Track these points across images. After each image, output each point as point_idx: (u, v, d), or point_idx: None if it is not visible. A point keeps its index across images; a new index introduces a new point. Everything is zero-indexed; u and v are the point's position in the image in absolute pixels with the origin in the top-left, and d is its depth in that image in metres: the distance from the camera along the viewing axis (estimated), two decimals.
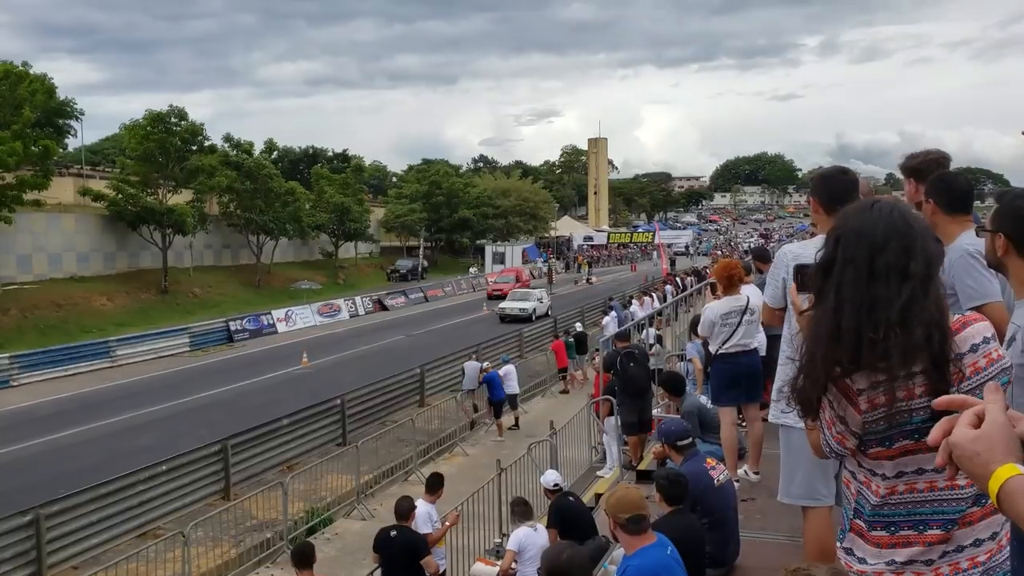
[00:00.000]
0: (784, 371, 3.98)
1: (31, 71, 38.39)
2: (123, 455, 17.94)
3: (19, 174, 35.71)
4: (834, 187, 3.96)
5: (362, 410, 20.57)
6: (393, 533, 8.15)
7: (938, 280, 2.05)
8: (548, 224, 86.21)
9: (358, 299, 47.78)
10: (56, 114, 46.75)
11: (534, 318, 39.14)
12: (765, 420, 7.45)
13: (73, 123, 51.45)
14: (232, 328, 37.54)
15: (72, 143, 56.88)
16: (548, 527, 8.23)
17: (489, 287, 53.77)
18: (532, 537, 8.07)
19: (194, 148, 46.63)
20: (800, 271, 2.67)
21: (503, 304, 41.63)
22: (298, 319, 41.79)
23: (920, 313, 1.96)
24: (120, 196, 42.93)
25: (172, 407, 23.83)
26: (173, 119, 44.77)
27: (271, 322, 40.12)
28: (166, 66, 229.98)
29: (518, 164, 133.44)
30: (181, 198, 46.11)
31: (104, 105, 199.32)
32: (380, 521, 13.85)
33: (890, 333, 1.93)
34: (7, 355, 28.69)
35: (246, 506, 13.88)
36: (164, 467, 14.79)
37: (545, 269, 66.25)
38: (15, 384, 27.51)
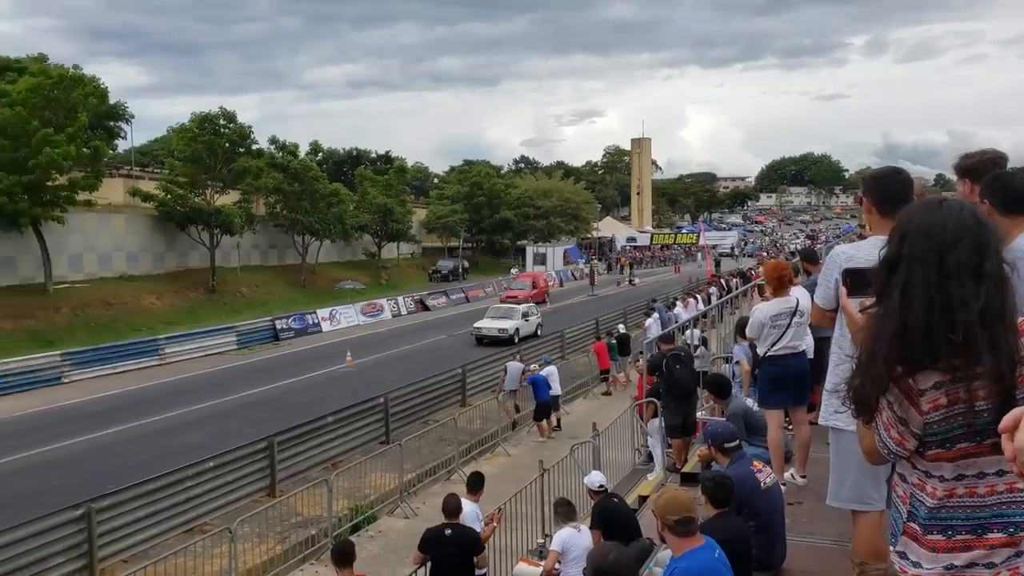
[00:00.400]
0: (837, 372, 3.94)
1: (83, 74, 39.24)
2: (171, 452, 18.28)
3: (71, 175, 36.59)
4: (888, 187, 3.90)
5: (405, 409, 20.71)
6: (448, 532, 8.11)
7: (1011, 281, 2.00)
8: (590, 225, 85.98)
9: (400, 299, 48.15)
10: (107, 116, 47.90)
11: (516, 340, 33.15)
12: (813, 423, 7.37)
13: (123, 125, 52.88)
14: (278, 327, 38.07)
15: (122, 145, 58.29)
16: (592, 528, 8.21)
17: (503, 294, 49.16)
18: (576, 538, 8.05)
19: (241, 150, 47.33)
20: (850, 275, 2.63)
21: (479, 323, 35.41)
22: (342, 318, 42.25)
23: (998, 314, 1.93)
24: (169, 197, 43.79)
25: (219, 405, 24.21)
26: (222, 121, 45.49)
27: (316, 321, 40.59)
28: (212, 69, 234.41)
29: (560, 165, 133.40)
30: (228, 199, 46.83)
31: (151, 108, 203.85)
32: (424, 519, 13.94)
33: (973, 334, 1.90)
34: (59, 352, 29.36)
35: (292, 503, 14.04)
36: (211, 463, 15.03)
37: (587, 270, 66.13)
38: (66, 381, 28.14)
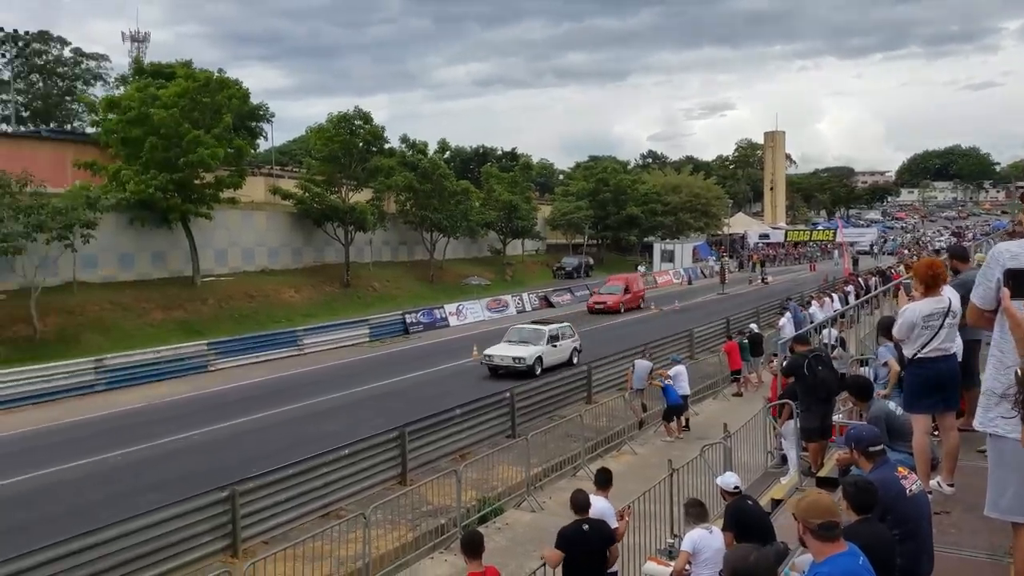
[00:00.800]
0: (999, 376, 3.72)
1: (227, 77, 41.38)
2: (307, 439, 19.08)
3: (217, 174, 38.72)
4: None
5: (530, 404, 20.87)
6: (586, 527, 8.07)
7: None
8: (720, 221, 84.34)
9: (525, 295, 48.58)
10: (249, 117, 50.43)
11: (538, 371, 26.75)
12: (962, 430, 7.00)
13: (264, 125, 55.58)
14: (408, 321, 39.13)
15: (263, 144, 61.22)
16: (724, 530, 8.04)
17: (590, 300, 46.42)
18: (707, 539, 7.91)
19: (374, 149, 48.81)
20: (1014, 276, 2.48)
21: (491, 350, 28.37)
22: (468, 314, 43.05)
23: None
24: (307, 195, 45.72)
25: (352, 394, 25.05)
26: (358, 122, 47.05)
27: (443, 316, 41.50)
28: (346, 71, 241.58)
29: (689, 159, 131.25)
30: (362, 197, 48.48)
31: (289, 109, 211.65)
32: (550, 514, 14.03)
33: None
34: (205, 342, 31.11)
35: (422, 492, 14.34)
36: (346, 451, 15.56)
37: (717, 268, 64.92)
38: (212, 369, 29.79)
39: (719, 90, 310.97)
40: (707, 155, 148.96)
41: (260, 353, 31.78)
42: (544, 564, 8.57)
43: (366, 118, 47.50)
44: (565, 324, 30.38)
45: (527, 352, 27.46)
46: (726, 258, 74.58)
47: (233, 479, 13.65)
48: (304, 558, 11.41)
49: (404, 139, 54.35)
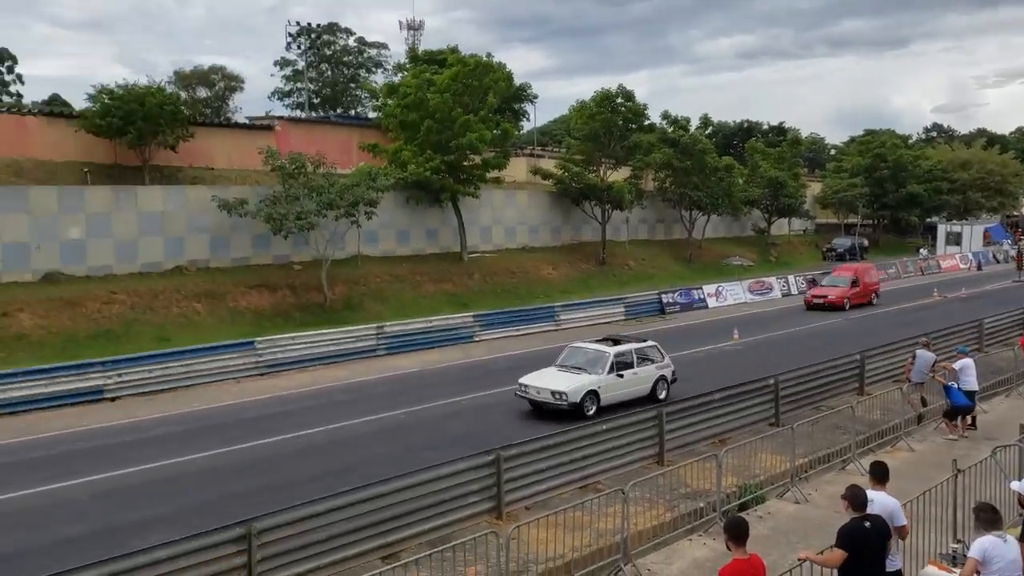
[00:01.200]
0: None
1: (493, 61, 43.11)
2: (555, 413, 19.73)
3: (484, 156, 40.63)
4: None
5: (795, 392, 19.97)
6: (867, 524, 7.68)
7: None
8: (1018, 200, 75.98)
9: (791, 278, 46.59)
10: (513, 99, 52.30)
11: (591, 410, 19.75)
12: None
13: (527, 107, 57.40)
14: (664, 300, 38.85)
15: (526, 126, 63.27)
16: (1021, 540, 7.26)
17: (808, 294, 40.72)
18: (1000, 548, 7.18)
19: (634, 126, 48.74)
20: None
21: (526, 378, 20.90)
22: (728, 295, 41.98)
23: None
24: (566, 174, 46.73)
25: None
26: (620, 99, 47.20)
27: (701, 297, 40.76)
28: (608, 49, 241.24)
29: (981, 132, 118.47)
30: (619, 175, 48.70)
31: (551, 89, 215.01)
32: (815, 507, 13.44)
33: None
34: (471, 314, 32.87)
35: (680, 473, 14.24)
36: (604, 426, 15.80)
37: (1013, 252, 58.60)
38: (477, 340, 31.44)
39: (1018, 55, 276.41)
40: (1003, 127, 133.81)
41: (520, 326, 33.03)
42: (804, 562, 8.15)
43: (628, 96, 47.50)
44: (648, 344, 22.24)
45: (572, 385, 19.93)
46: None
47: (497, 444, 14.26)
48: (564, 526, 11.73)
49: (665, 115, 53.70)
